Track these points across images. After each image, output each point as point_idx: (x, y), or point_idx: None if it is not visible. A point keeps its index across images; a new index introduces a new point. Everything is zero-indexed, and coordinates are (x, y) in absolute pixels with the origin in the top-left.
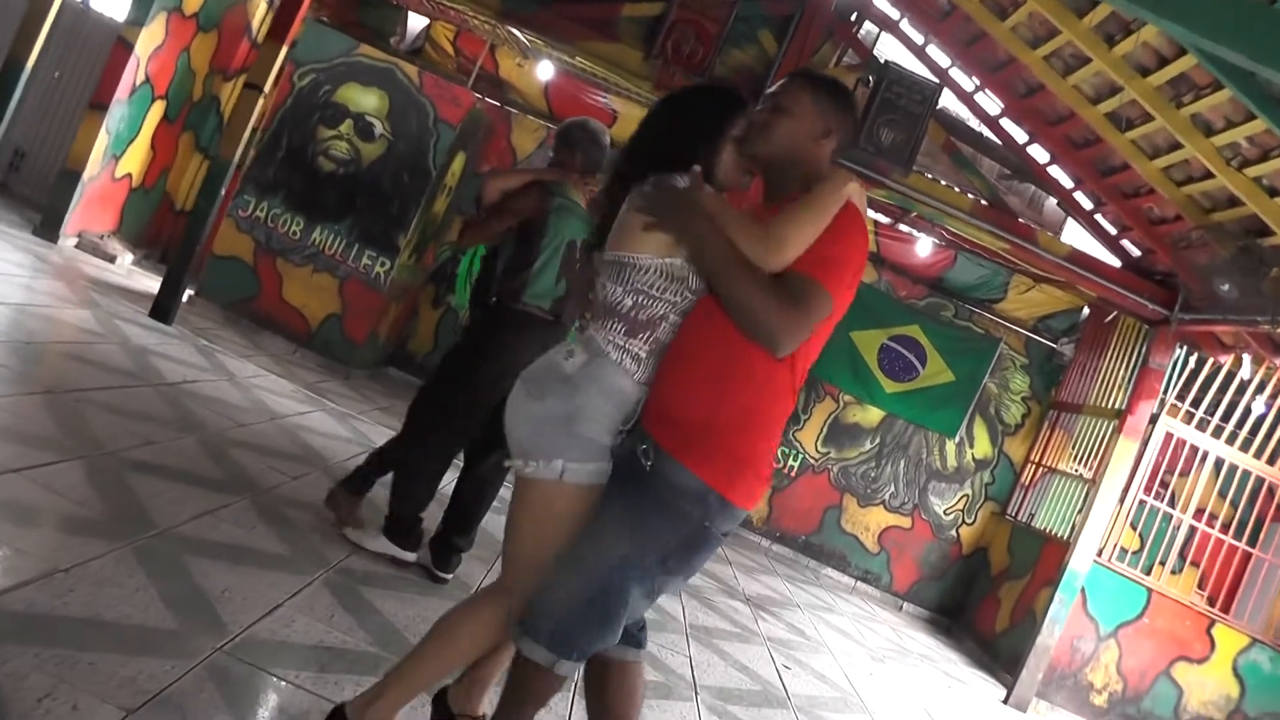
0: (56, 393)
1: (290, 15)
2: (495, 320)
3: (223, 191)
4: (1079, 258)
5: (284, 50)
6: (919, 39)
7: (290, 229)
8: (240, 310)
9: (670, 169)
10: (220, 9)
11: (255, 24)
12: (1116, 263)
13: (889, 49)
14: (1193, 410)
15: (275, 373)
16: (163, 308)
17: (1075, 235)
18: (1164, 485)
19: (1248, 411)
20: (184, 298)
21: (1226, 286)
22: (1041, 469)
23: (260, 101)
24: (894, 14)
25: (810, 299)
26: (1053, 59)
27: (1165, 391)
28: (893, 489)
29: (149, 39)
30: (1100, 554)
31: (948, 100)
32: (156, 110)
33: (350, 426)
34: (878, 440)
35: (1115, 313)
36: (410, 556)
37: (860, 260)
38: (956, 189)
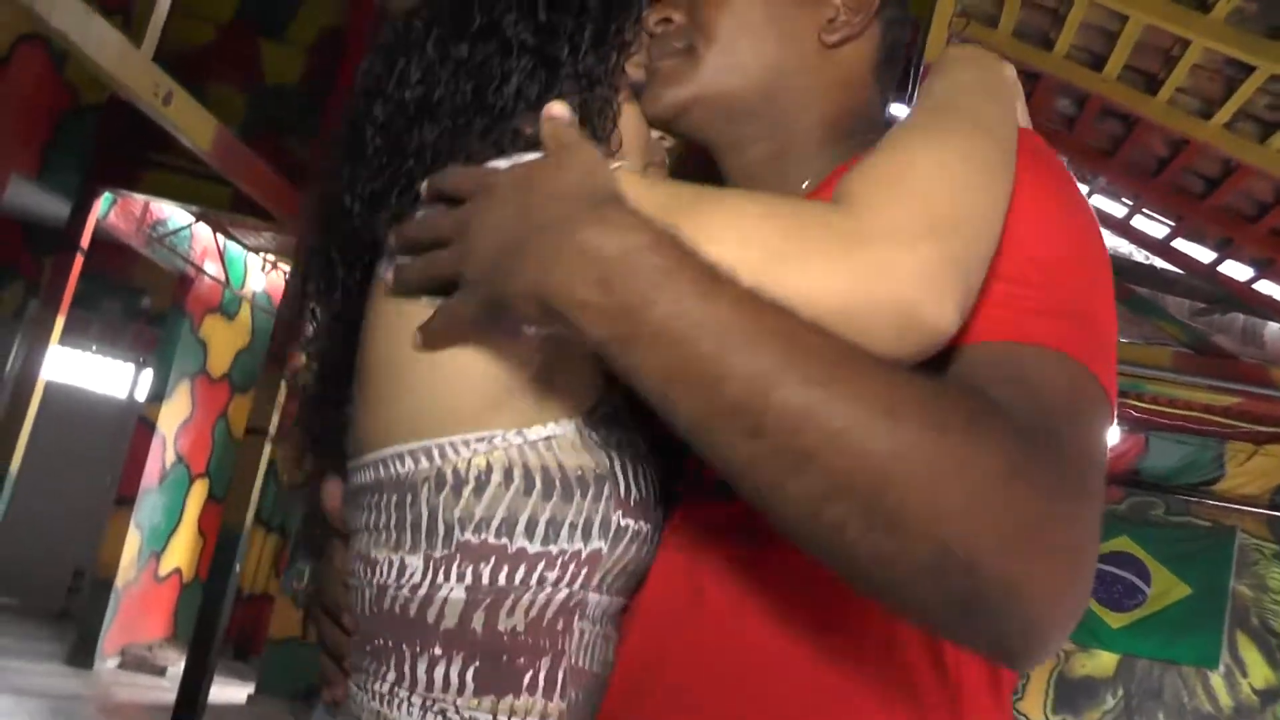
0: None
1: (287, 336)
2: None
3: (238, 566)
4: None
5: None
6: None
7: None
8: (311, 700)
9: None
10: (254, 364)
11: None
12: None
13: None
14: None
15: None
16: None
17: None
18: None
19: None
20: (242, 698)
21: None
22: None
23: (267, 448)
24: None
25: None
26: (1237, 123)
27: None
28: None
29: (173, 413)
30: None
31: None
32: (199, 491)
33: None
34: (1121, 692)
35: None
36: None
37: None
38: (1144, 343)
